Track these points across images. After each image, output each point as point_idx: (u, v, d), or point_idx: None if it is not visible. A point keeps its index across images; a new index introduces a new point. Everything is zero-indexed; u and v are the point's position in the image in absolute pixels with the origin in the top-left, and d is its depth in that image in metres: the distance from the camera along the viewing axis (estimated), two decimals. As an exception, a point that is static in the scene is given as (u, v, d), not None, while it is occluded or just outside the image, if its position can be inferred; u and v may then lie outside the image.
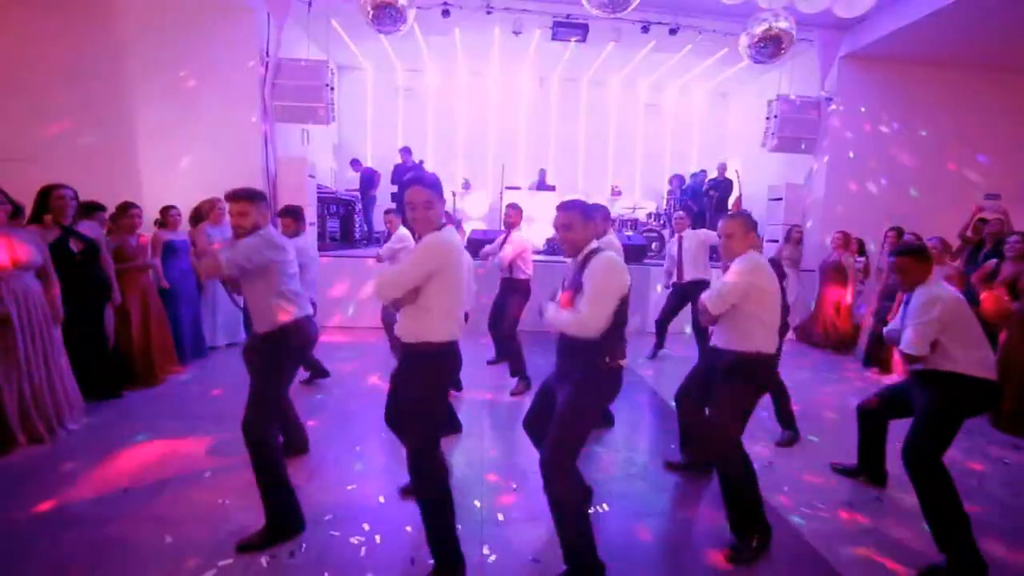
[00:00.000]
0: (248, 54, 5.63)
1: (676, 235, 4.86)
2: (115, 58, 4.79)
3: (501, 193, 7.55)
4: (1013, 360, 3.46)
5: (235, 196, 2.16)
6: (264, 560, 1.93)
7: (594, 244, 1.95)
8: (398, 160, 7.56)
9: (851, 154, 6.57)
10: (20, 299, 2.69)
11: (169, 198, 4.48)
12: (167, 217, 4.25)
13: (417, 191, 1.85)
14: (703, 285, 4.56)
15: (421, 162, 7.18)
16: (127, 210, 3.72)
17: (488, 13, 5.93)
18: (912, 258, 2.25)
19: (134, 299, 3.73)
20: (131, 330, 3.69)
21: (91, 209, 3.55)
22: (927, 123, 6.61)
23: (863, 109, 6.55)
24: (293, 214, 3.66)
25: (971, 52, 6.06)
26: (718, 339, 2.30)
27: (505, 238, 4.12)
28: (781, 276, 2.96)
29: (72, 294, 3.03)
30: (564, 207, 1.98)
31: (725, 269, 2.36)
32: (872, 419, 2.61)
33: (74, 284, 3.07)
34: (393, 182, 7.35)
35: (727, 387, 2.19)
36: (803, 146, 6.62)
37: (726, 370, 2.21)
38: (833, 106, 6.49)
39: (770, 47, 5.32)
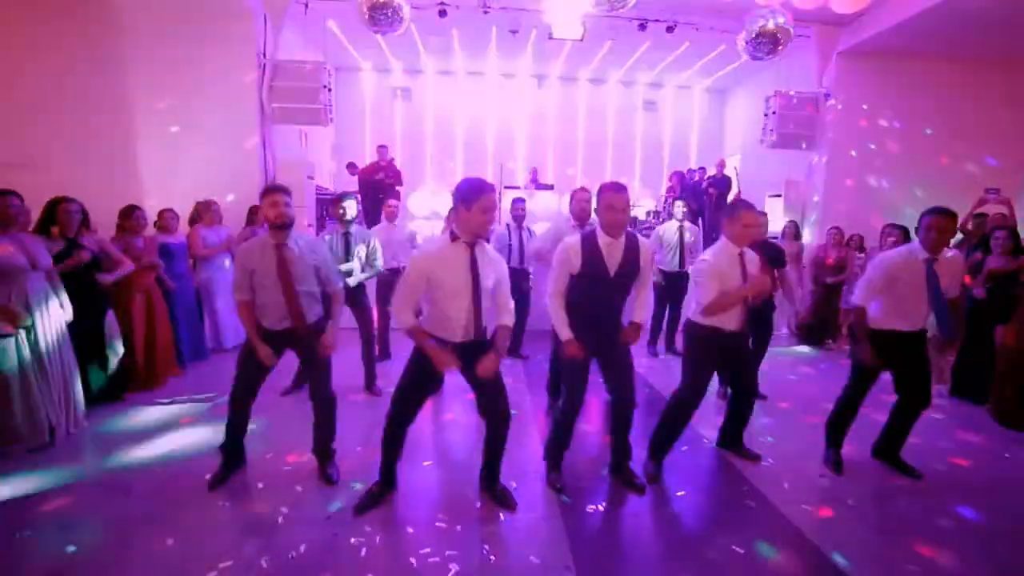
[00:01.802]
0: (246, 56, 5.63)
1: (680, 222, 4.78)
2: (114, 61, 4.79)
3: (500, 193, 7.55)
4: (1013, 356, 3.46)
5: (282, 188, 2.36)
6: (264, 561, 1.94)
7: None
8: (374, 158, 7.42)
9: (851, 150, 6.56)
10: (41, 299, 2.78)
11: (169, 201, 4.48)
12: (163, 220, 4.23)
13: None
14: (686, 279, 4.63)
15: (392, 159, 7.12)
16: (132, 212, 3.72)
17: (485, 13, 5.93)
18: (955, 220, 2.52)
19: (138, 301, 3.73)
20: (134, 332, 3.69)
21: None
22: (925, 118, 6.59)
23: (862, 105, 6.53)
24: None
25: (968, 46, 6.03)
26: (736, 323, 2.55)
27: (521, 233, 4.41)
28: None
29: (74, 303, 3.04)
30: (622, 188, 2.26)
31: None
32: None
33: (77, 294, 3.10)
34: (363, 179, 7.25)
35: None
36: (801, 143, 6.61)
37: (744, 340, 2.72)
38: (832, 101, 6.48)
39: (767, 43, 5.31)
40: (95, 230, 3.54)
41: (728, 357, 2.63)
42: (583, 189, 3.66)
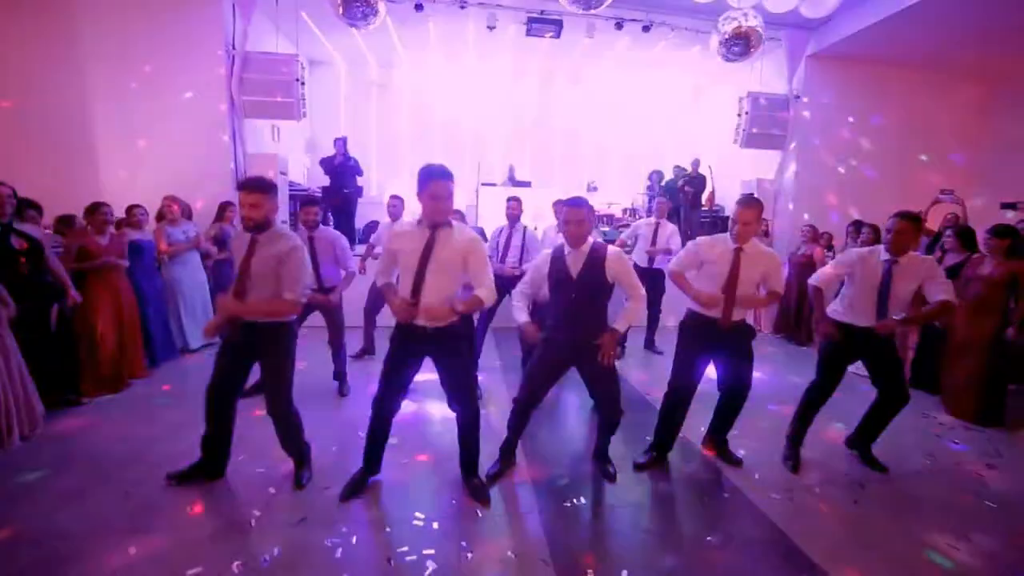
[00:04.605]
0: (214, 47, 5.43)
1: (656, 220, 4.85)
2: (70, 49, 4.56)
3: (477, 189, 7.52)
4: (956, 346, 3.66)
5: (249, 185, 2.24)
6: (236, 566, 1.89)
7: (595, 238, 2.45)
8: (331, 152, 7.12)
9: (819, 150, 6.78)
10: None
11: (132, 197, 4.31)
12: (132, 216, 4.11)
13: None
14: (661, 275, 4.71)
15: (345, 145, 6.79)
16: (98, 208, 3.55)
17: (462, 8, 5.87)
18: (917, 224, 2.60)
19: (105, 301, 3.56)
20: (99, 333, 3.52)
21: (25, 206, 3.32)
22: (888, 121, 6.87)
23: (830, 107, 6.75)
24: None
25: (929, 54, 6.31)
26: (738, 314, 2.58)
27: (510, 233, 4.10)
28: None
29: (15, 296, 2.78)
30: (577, 203, 2.35)
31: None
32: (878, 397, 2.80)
33: (16, 285, 2.85)
34: (327, 173, 6.94)
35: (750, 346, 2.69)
36: (773, 142, 6.79)
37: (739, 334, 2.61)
38: (801, 104, 6.68)
39: (740, 45, 5.43)
40: (48, 226, 3.38)
41: (719, 351, 2.65)
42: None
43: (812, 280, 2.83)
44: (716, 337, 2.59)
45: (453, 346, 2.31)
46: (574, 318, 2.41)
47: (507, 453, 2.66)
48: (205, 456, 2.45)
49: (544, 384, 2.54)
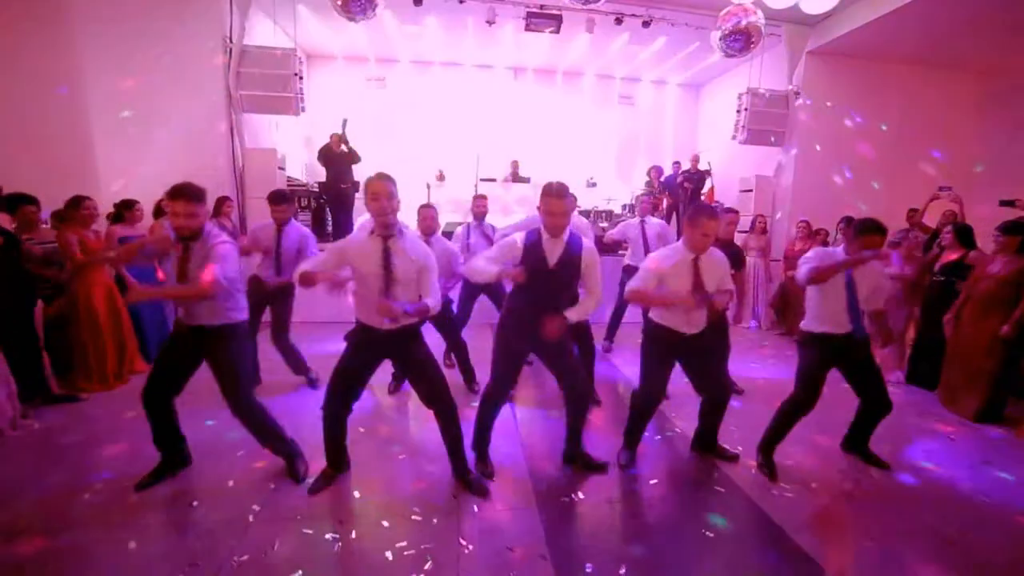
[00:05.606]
0: (211, 40, 5.40)
1: (641, 219, 4.70)
2: (66, 44, 4.52)
3: (476, 185, 7.50)
4: (961, 344, 3.66)
5: (184, 194, 2.19)
6: (235, 561, 1.90)
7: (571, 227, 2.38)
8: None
9: (817, 146, 6.78)
10: None
11: (131, 193, 4.29)
12: (129, 212, 4.08)
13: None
14: None
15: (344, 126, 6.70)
16: (81, 203, 3.52)
17: (461, 2, 5.85)
18: (881, 237, 2.49)
19: (99, 296, 3.56)
20: (100, 329, 3.53)
21: (17, 202, 3.31)
22: (887, 117, 6.87)
23: (828, 103, 6.75)
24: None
25: (928, 50, 6.31)
26: (693, 327, 2.53)
27: (483, 230, 4.08)
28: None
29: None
30: (563, 194, 2.28)
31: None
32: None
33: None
34: (322, 163, 6.85)
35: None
36: (772, 139, 6.79)
37: (708, 343, 2.58)
38: (800, 100, 6.67)
39: (740, 41, 5.42)
40: (45, 221, 3.36)
41: (688, 359, 2.62)
42: (428, 206, 3.60)
43: (805, 280, 2.53)
44: (684, 346, 2.55)
45: (413, 347, 2.31)
46: (544, 307, 2.32)
47: (484, 453, 2.63)
48: (163, 454, 2.44)
49: (513, 375, 2.54)
